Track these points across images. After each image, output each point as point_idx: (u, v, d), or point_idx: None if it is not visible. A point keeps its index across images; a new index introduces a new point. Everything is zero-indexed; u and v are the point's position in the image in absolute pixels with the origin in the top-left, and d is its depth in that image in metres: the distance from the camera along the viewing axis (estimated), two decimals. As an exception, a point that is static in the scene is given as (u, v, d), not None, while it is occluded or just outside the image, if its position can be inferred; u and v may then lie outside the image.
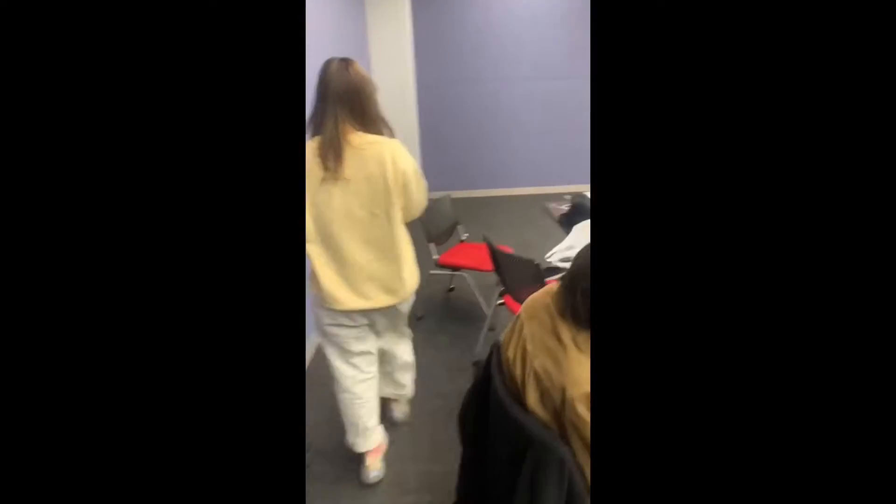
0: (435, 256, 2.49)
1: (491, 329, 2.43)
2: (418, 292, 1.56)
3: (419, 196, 1.38)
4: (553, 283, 1.01)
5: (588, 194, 2.37)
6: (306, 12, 2.07)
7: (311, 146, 1.28)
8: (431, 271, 2.54)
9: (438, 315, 2.68)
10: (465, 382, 2.08)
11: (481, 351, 2.26)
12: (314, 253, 1.36)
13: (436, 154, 5.04)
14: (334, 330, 1.47)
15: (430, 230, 2.48)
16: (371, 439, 1.61)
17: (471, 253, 2.59)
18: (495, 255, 1.97)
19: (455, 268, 2.48)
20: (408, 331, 1.71)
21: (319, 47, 2.64)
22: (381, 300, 1.41)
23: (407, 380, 1.78)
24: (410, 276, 1.44)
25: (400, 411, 1.90)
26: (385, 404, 1.84)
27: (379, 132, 1.32)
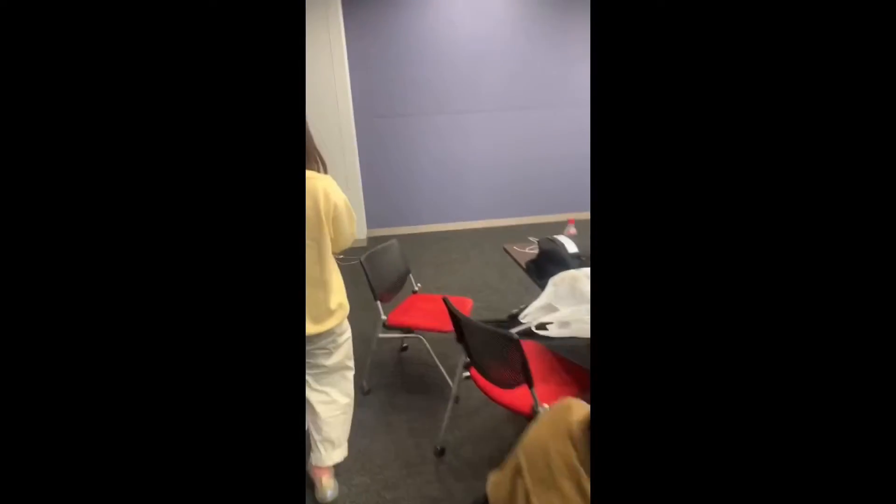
0: (384, 317, 2.08)
1: (456, 401, 2.04)
2: (348, 321, 1.57)
3: (350, 228, 1.47)
4: (569, 419, 0.65)
5: (556, 237, 2.08)
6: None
7: None
8: (380, 334, 2.13)
9: (390, 386, 2.25)
10: (425, 483, 1.66)
11: (446, 436, 1.85)
12: None
13: (377, 189, 4.68)
14: None
15: (378, 285, 2.08)
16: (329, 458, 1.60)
17: (425, 308, 2.21)
18: (457, 321, 1.60)
19: (408, 329, 2.08)
20: (345, 369, 1.63)
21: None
22: (308, 329, 1.44)
23: (341, 435, 1.63)
24: (338, 305, 1.49)
25: (329, 486, 1.62)
26: (313, 482, 1.63)
27: (312, 168, 1.39)
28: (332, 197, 1.37)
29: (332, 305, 1.46)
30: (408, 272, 2.39)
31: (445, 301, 1.62)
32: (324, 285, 1.43)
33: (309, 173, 1.36)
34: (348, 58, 4.07)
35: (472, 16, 4.35)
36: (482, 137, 4.72)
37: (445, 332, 1.93)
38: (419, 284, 2.43)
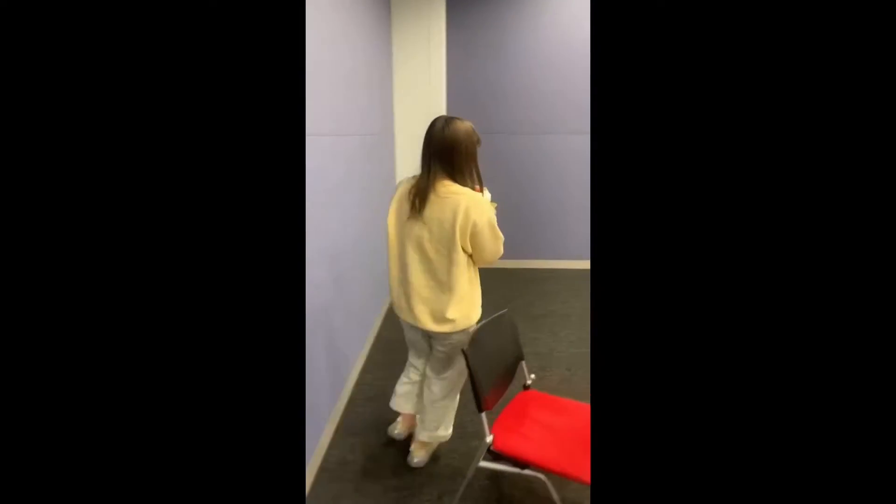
0: (489, 438, 1.44)
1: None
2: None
3: (492, 246, 1.51)
4: None
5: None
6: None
7: (410, 183, 1.55)
8: (482, 462, 1.48)
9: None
10: None
11: None
12: (392, 264, 1.63)
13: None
14: (405, 329, 1.78)
15: (484, 383, 1.44)
16: (397, 403, 1.90)
17: (544, 420, 1.55)
18: None
19: (522, 463, 1.42)
20: (452, 374, 1.73)
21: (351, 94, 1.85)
22: (427, 323, 1.58)
23: (437, 422, 1.79)
24: (460, 315, 1.56)
25: (419, 456, 1.84)
26: (408, 446, 1.88)
27: (466, 184, 1.49)
28: (472, 215, 1.43)
29: (453, 313, 1.54)
30: (521, 358, 1.74)
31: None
32: (448, 293, 1.53)
33: (459, 189, 1.46)
34: (447, 73, 3.52)
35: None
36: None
37: (582, 481, 1.26)
38: (532, 376, 1.77)
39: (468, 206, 1.43)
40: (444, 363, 1.71)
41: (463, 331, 1.59)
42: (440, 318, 1.56)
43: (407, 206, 1.52)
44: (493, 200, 1.61)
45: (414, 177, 1.56)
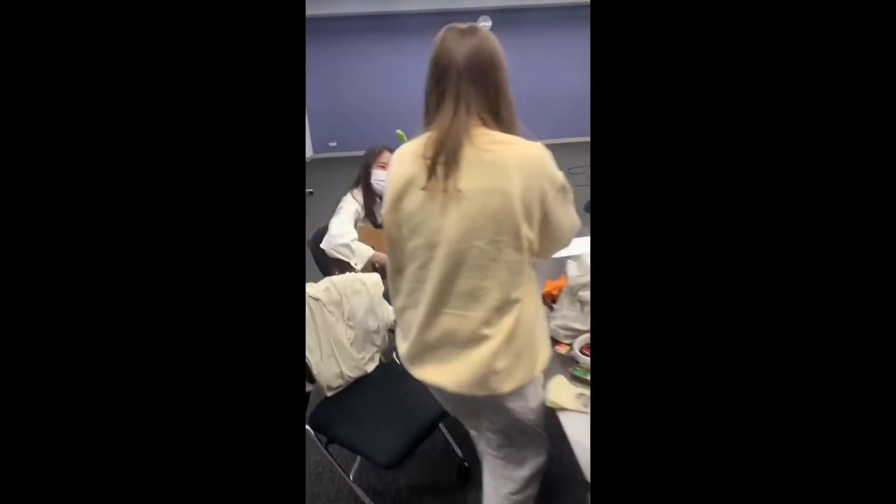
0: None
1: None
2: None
3: (570, 220, 0.91)
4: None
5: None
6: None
7: (409, 148, 0.87)
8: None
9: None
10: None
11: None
12: (392, 286, 0.96)
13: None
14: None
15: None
16: None
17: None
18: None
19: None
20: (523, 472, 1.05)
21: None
22: (441, 379, 0.90)
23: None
24: (515, 362, 0.87)
25: None
26: None
27: (512, 132, 0.85)
28: (542, 177, 0.83)
29: (501, 362, 0.85)
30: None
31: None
32: (497, 317, 0.85)
33: (508, 138, 0.83)
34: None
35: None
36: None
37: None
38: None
39: (537, 162, 0.83)
40: (507, 452, 1.03)
41: (518, 392, 0.90)
42: (475, 371, 0.86)
43: (421, 178, 0.84)
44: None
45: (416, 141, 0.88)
